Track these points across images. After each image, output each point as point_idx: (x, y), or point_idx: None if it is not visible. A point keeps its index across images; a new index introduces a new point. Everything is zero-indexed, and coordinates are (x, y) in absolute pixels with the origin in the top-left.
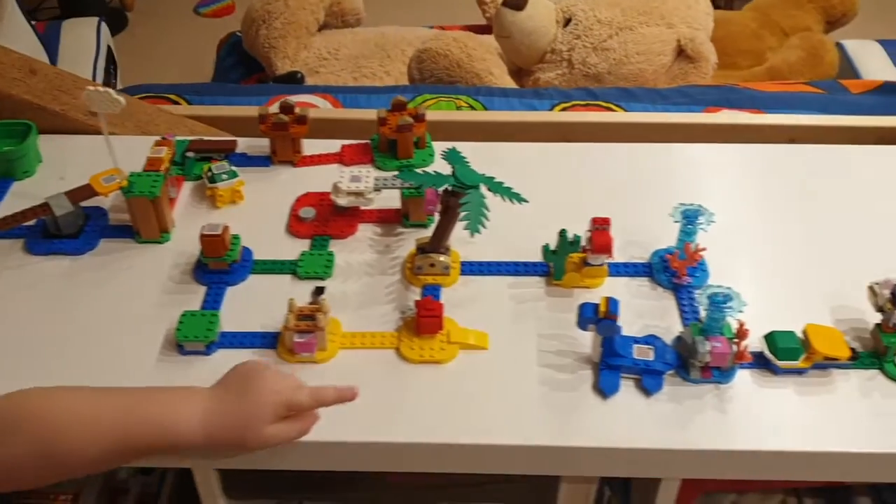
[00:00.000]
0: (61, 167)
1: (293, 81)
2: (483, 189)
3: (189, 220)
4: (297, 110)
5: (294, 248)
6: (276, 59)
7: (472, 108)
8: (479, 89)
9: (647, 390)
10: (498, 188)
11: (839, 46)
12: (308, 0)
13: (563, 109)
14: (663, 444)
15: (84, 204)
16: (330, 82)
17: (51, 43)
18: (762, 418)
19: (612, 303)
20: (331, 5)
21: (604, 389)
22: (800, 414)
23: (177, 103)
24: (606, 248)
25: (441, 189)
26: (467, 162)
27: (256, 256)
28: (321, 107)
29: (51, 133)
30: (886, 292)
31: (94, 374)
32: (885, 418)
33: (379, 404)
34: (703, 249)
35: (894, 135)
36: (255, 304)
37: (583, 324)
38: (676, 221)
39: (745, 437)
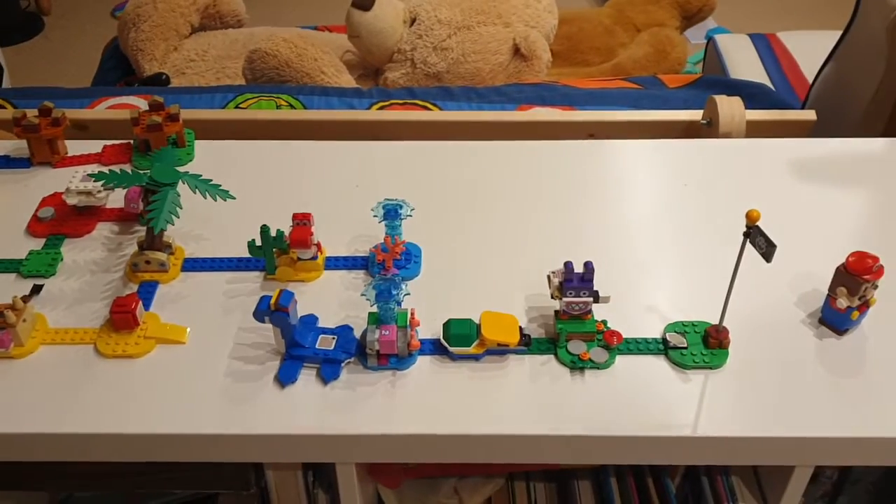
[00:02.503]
0: None
1: (158, 83)
2: (179, 187)
3: None
4: (53, 113)
5: (28, 248)
6: (143, 60)
7: (293, 107)
8: (302, 88)
9: (324, 378)
10: (200, 185)
11: (711, 41)
12: (178, 3)
13: (381, 108)
14: (327, 430)
15: None
16: (194, 83)
17: None
18: (435, 403)
19: (284, 295)
20: (206, 7)
21: (281, 379)
22: (469, 398)
23: (3, 107)
24: (304, 243)
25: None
26: (178, 160)
27: None
28: (142, 108)
29: None
30: (557, 281)
31: None
32: (551, 401)
33: (69, 398)
34: (404, 242)
35: (689, 128)
36: None
37: (258, 316)
38: (375, 216)
39: (413, 421)
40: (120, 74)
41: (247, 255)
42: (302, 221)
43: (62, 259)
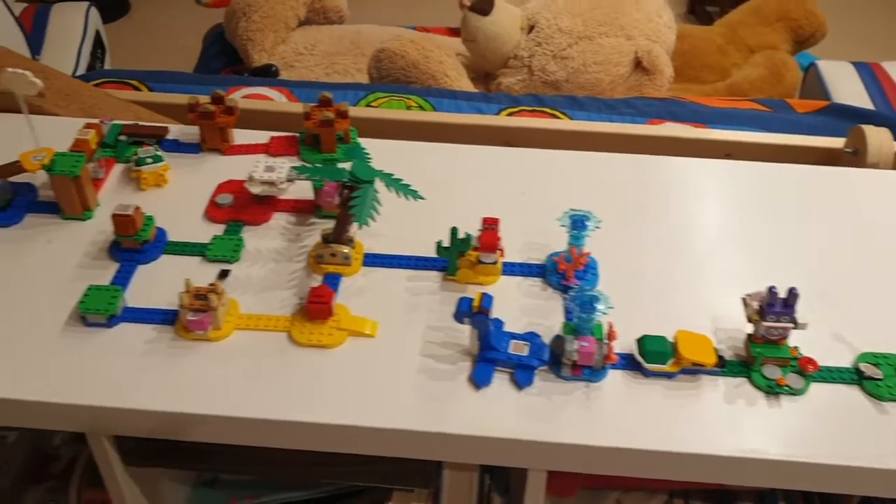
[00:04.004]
0: (3, 146)
1: (267, 74)
2: (380, 185)
3: (114, 201)
4: (226, 101)
5: (209, 233)
6: (253, 51)
7: (422, 108)
8: (431, 90)
9: (518, 384)
10: (394, 184)
11: (813, 67)
12: None
13: (510, 114)
14: (527, 435)
15: (13, 179)
16: (304, 77)
17: (38, 27)
18: (628, 417)
19: (485, 298)
20: (312, 2)
21: (476, 380)
22: (665, 415)
23: (138, 89)
24: (493, 247)
25: (339, 183)
26: (369, 158)
27: (172, 238)
28: (276, 100)
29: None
30: (755, 304)
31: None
32: (746, 424)
33: (265, 384)
34: (588, 253)
35: (828, 155)
36: (162, 282)
37: (458, 316)
38: (563, 226)
39: (608, 434)
40: (224, 62)
41: (422, 253)
42: (491, 226)
43: (244, 245)
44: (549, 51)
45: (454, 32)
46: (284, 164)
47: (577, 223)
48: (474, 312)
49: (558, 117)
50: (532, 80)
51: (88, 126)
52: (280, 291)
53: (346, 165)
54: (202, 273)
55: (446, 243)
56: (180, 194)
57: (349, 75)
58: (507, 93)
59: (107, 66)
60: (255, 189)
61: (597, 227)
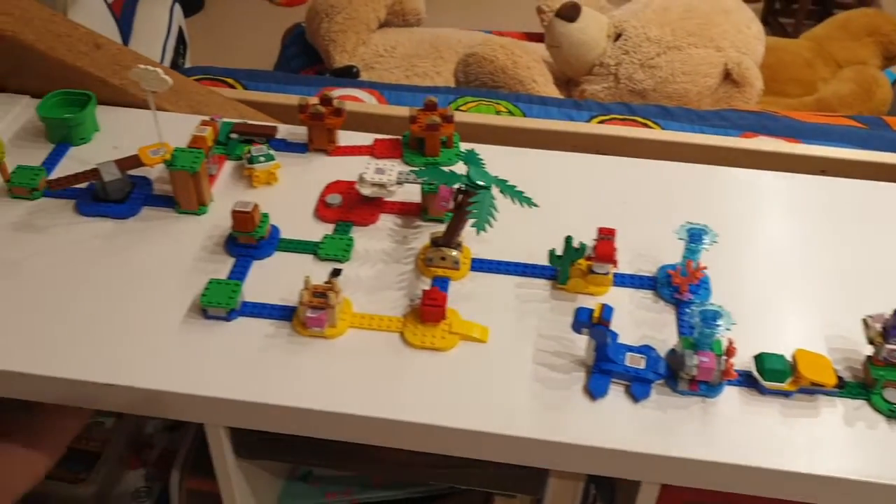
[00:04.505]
0: (116, 137)
1: (348, 75)
2: (495, 191)
3: (226, 197)
4: (335, 103)
5: (318, 231)
6: (334, 52)
7: (512, 113)
8: (520, 96)
9: (635, 396)
10: (509, 190)
11: None
12: None
13: (601, 122)
14: (644, 448)
15: (132, 173)
16: (384, 79)
17: (126, 21)
18: (744, 434)
19: (606, 310)
20: (393, 4)
21: (592, 391)
22: (782, 434)
23: (233, 87)
24: (609, 258)
25: (454, 187)
26: (483, 163)
27: (283, 235)
28: (366, 102)
29: (110, 105)
30: (878, 326)
31: (121, 329)
32: (865, 447)
33: (380, 383)
34: (705, 268)
35: None
36: (277, 278)
37: (577, 327)
38: (681, 239)
39: (725, 450)
40: (303, 62)
41: (525, 259)
42: (607, 236)
43: (354, 245)
44: (637, 59)
45: (529, 37)
46: (394, 167)
47: (695, 236)
48: (594, 323)
49: (650, 127)
50: (618, 89)
51: (205, 123)
52: (390, 292)
53: (452, 168)
54: (314, 271)
55: (558, 251)
56: (290, 193)
57: (428, 78)
58: (591, 100)
59: (187, 63)
60: (366, 190)
61: (714, 242)
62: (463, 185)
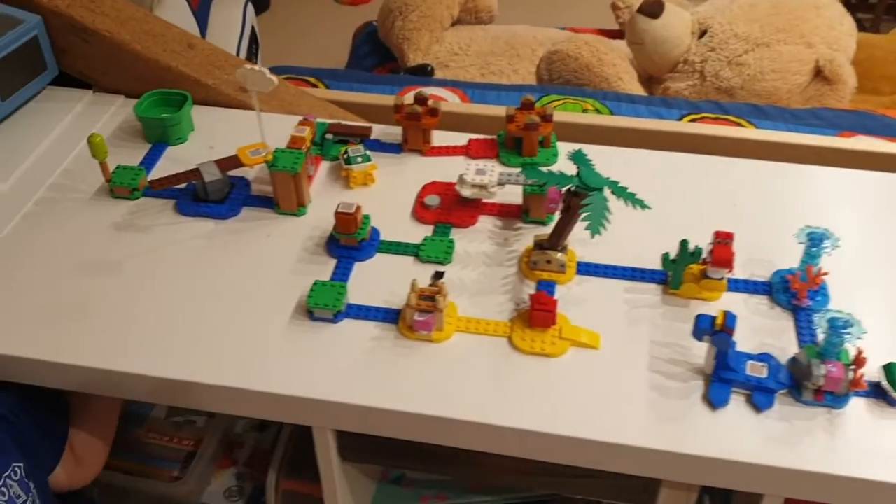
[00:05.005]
0: (211, 137)
1: (423, 74)
2: (606, 192)
3: (324, 197)
4: (430, 103)
5: (417, 233)
6: (409, 50)
7: (599, 112)
8: (607, 94)
9: (758, 406)
10: (622, 192)
11: None
12: None
13: (692, 121)
14: (769, 460)
15: (230, 173)
16: (459, 77)
17: (201, 20)
18: (873, 448)
19: (729, 317)
20: (465, 1)
21: (713, 401)
22: None
23: (315, 86)
24: (727, 263)
25: (564, 189)
26: (592, 164)
27: (383, 237)
28: (449, 100)
29: (203, 105)
30: None
31: (227, 332)
32: None
33: (489, 389)
34: (826, 273)
35: None
36: (379, 280)
37: (698, 334)
38: (801, 243)
39: (853, 464)
40: (375, 61)
41: (630, 263)
42: (725, 240)
43: (455, 247)
44: (724, 56)
45: (604, 33)
46: (494, 168)
47: (816, 240)
48: (716, 331)
49: (743, 126)
50: (704, 86)
51: (303, 123)
52: (495, 296)
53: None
54: (415, 274)
55: (673, 255)
56: (387, 194)
57: (504, 76)
58: (680, 98)
59: (259, 63)
60: (466, 192)
61: (836, 247)
62: (573, 187)
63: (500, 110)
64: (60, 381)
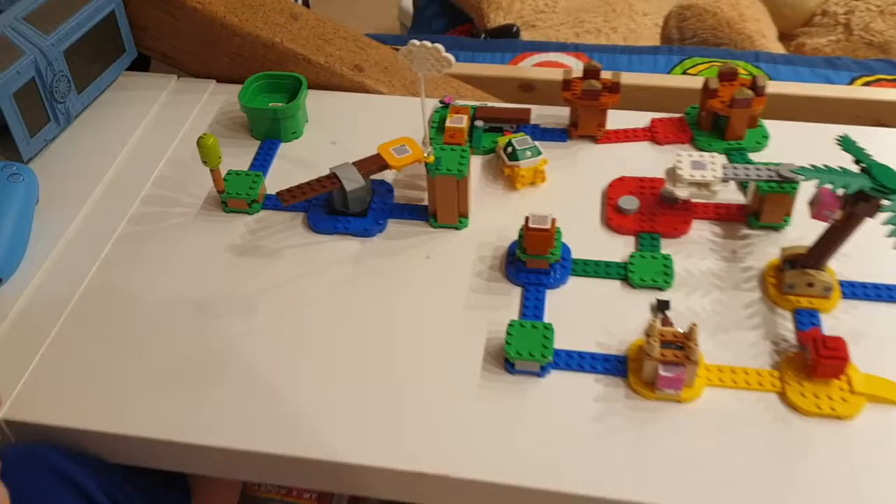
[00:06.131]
0: (330, 129)
1: (508, 35)
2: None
3: (483, 203)
4: (609, 75)
5: (615, 247)
6: (488, 9)
7: (752, 75)
8: (759, 55)
9: None
10: None
11: None
12: None
13: (866, 84)
14: None
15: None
16: (549, 37)
17: None
18: None
19: None
20: None
21: None
22: None
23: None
24: None
25: (841, 190)
26: (868, 153)
27: (573, 254)
28: (574, 68)
29: (313, 88)
30: None
31: (396, 392)
32: None
33: (766, 464)
34: None
35: None
36: (581, 314)
37: None
38: None
39: None
40: (445, 23)
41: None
42: None
43: (673, 266)
44: (875, 6)
45: None
46: (716, 160)
47: None
48: None
49: None
50: (850, 41)
51: (456, 111)
52: (742, 332)
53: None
54: (627, 302)
55: None
56: (562, 196)
57: (602, 35)
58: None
59: None
60: (683, 192)
61: None
62: (865, 188)
63: (680, 80)
64: (198, 466)
